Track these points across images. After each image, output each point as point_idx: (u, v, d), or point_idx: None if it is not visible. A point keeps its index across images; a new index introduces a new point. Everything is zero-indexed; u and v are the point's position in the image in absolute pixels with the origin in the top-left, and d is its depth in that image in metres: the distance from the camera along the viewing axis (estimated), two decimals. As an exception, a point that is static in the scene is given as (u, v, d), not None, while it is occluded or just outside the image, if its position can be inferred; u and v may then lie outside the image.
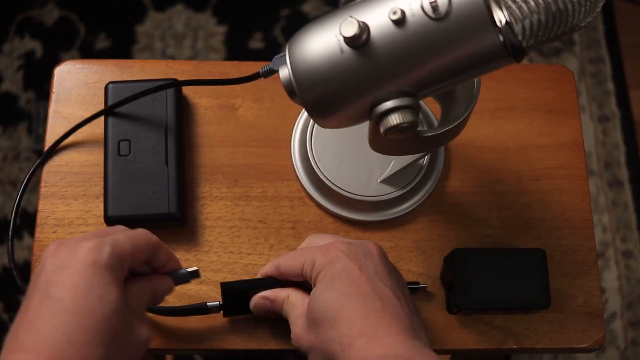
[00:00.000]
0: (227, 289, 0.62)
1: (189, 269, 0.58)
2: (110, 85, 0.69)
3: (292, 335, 0.59)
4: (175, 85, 0.68)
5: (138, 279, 0.55)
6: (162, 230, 0.67)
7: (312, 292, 0.57)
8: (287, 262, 0.60)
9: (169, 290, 0.57)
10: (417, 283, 0.66)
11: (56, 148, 0.70)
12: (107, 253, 0.50)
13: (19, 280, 0.65)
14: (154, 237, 0.55)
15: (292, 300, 0.60)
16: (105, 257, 0.50)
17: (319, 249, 0.58)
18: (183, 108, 0.71)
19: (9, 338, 0.49)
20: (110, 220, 0.66)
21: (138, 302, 0.53)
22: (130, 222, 0.66)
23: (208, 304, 0.63)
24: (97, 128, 0.71)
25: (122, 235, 0.53)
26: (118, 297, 0.50)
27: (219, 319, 0.65)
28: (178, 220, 0.66)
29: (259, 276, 0.63)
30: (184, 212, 0.67)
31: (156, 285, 0.56)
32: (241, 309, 0.63)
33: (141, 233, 0.54)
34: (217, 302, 0.63)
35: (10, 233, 0.67)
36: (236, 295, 0.62)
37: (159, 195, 0.66)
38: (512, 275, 0.63)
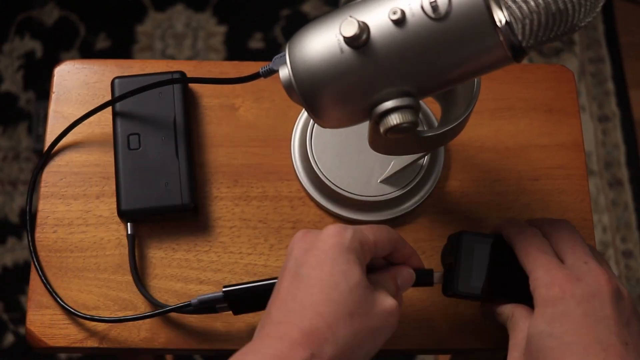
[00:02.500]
0: (230, 294, 0.61)
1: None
2: (116, 80, 0.69)
3: (509, 357, 0.57)
4: (182, 81, 0.68)
5: (379, 271, 0.56)
6: (165, 228, 0.67)
7: (531, 324, 0.55)
8: (521, 245, 0.58)
9: (410, 281, 0.57)
10: (431, 272, 0.60)
11: (59, 145, 0.69)
12: (349, 235, 0.53)
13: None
14: (395, 232, 0.56)
15: (515, 321, 0.57)
16: (349, 239, 0.53)
17: (545, 269, 0.55)
18: (192, 104, 0.72)
19: (263, 317, 0.53)
20: (123, 215, 0.66)
21: (389, 283, 0.56)
22: (144, 215, 0.66)
23: (217, 306, 0.61)
24: (97, 128, 0.71)
25: (364, 226, 0.55)
26: (360, 274, 0.52)
27: (219, 319, 0.65)
28: (191, 211, 0.66)
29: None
30: (197, 203, 0.67)
31: (396, 274, 0.57)
32: (250, 307, 0.62)
33: (382, 227, 0.56)
34: (226, 304, 0.62)
35: (28, 230, 0.67)
36: (242, 296, 0.61)
37: (171, 187, 0.66)
38: (515, 266, 0.60)
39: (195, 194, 0.67)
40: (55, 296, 0.65)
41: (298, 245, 0.54)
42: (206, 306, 0.61)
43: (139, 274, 0.65)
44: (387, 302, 0.53)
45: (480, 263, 0.60)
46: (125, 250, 0.66)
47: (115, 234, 0.67)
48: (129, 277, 0.66)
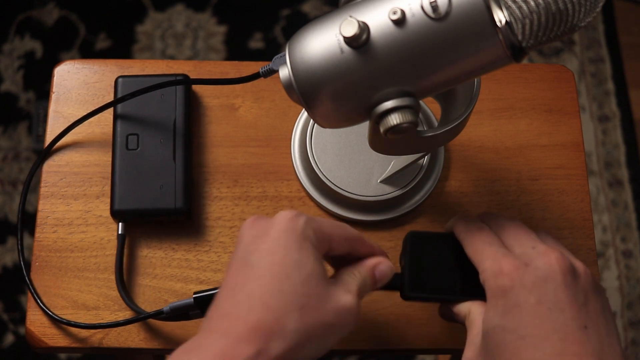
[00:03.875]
0: (201, 300, 0.60)
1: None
2: (120, 80, 0.69)
3: (463, 357, 0.55)
4: (182, 82, 0.68)
5: (354, 262, 0.54)
6: (166, 228, 0.68)
7: (484, 318, 0.53)
8: (468, 241, 0.56)
9: (389, 273, 0.55)
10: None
11: (59, 145, 0.70)
12: (303, 222, 0.50)
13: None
14: (355, 232, 0.54)
15: (472, 319, 0.55)
16: (302, 225, 0.50)
17: (492, 259, 0.53)
18: (192, 104, 0.71)
19: (210, 308, 0.49)
20: (116, 214, 0.66)
21: (351, 279, 0.52)
22: (136, 216, 0.66)
23: (190, 312, 0.61)
24: (97, 128, 0.71)
25: (320, 218, 0.53)
26: (314, 263, 0.49)
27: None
28: (184, 216, 0.66)
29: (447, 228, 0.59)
30: (190, 208, 0.67)
31: (375, 265, 0.54)
32: None
33: (341, 224, 0.54)
34: (199, 310, 0.61)
35: (19, 227, 0.67)
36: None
37: (165, 190, 0.66)
38: (467, 263, 0.57)
39: (190, 199, 0.67)
40: (33, 292, 0.65)
41: (248, 231, 0.51)
42: (179, 313, 0.61)
43: (123, 275, 0.65)
44: (344, 298, 0.50)
45: (429, 263, 0.58)
46: (125, 250, 0.66)
47: (115, 234, 0.67)
48: (128, 277, 0.66)
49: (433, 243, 0.59)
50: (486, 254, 0.54)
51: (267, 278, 0.48)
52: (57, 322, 0.64)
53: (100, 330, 0.64)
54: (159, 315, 0.62)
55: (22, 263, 0.66)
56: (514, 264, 0.52)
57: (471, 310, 0.56)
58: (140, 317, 0.63)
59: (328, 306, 0.49)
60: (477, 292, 0.56)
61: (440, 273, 0.58)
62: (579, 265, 0.53)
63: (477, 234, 0.56)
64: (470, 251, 0.56)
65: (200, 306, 0.60)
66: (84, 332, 0.64)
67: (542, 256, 0.52)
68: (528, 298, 0.51)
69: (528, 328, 0.50)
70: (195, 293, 0.60)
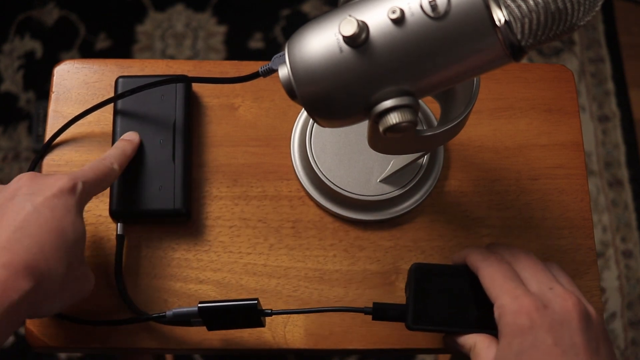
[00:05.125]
0: (205, 310, 0.60)
1: None
2: (120, 79, 0.69)
3: None
4: (182, 80, 0.68)
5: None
6: (165, 227, 0.68)
7: (497, 356, 0.53)
8: (486, 272, 0.56)
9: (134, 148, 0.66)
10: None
11: (59, 144, 0.69)
12: (80, 190, 0.57)
13: None
14: (110, 166, 0.61)
15: (478, 352, 0.56)
16: (79, 192, 0.57)
17: (511, 296, 0.53)
18: (193, 105, 0.71)
19: None
20: (114, 214, 0.66)
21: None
22: (135, 216, 0.66)
23: (192, 319, 0.61)
24: (96, 128, 0.71)
25: (90, 172, 0.59)
26: (84, 229, 0.56)
27: (218, 318, 0.65)
28: (183, 217, 0.66)
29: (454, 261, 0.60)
30: (189, 209, 0.67)
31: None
32: (224, 325, 0.61)
33: (103, 165, 0.61)
34: (201, 319, 0.61)
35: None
36: (216, 314, 0.60)
37: (164, 190, 0.66)
38: (473, 295, 0.59)
39: (189, 200, 0.67)
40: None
41: (28, 183, 0.56)
42: (181, 319, 0.61)
43: (122, 276, 0.65)
44: (90, 273, 0.59)
45: (434, 295, 0.59)
46: (124, 250, 0.66)
47: (115, 233, 0.67)
48: (128, 277, 0.66)
49: (438, 275, 0.60)
50: (505, 289, 0.54)
51: (45, 228, 0.53)
52: (69, 320, 0.64)
53: (100, 329, 0.64)
54: (161, 318, 0.62)
55: None
56: (535, 305, 0.53)
57: (477, 344, 0.56)
58: (141, 319, 0.63)
59: (82, 270, 0.58)
60: (482, 324, 0.57)
61: (444, 305, 0.59)
62: (592, 310, 0.54)
63: (497, 267, 0.56)
64: (488, 283, 0.56)
65: (203, 316, 0.60)
66: (84, 332, 0.64)
67: (561, 299, 0.53)
68: (546, 339, 0.51)
69: None
70: (200, 302, 0.60)
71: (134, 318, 0.63)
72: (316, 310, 0.62)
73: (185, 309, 0.61)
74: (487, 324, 0.56)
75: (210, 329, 0.61)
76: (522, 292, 0.54)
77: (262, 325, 0.61)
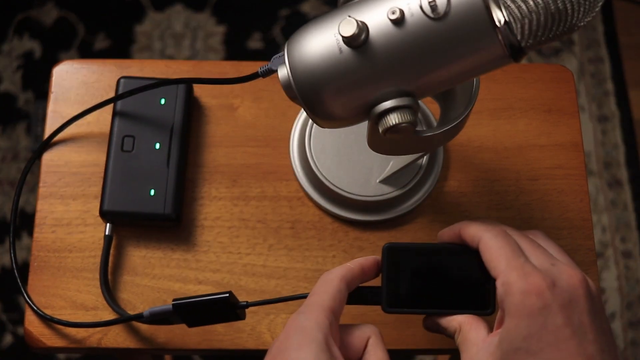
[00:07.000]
0: (179, 307, 0.59)
1: None
2: (122, 80, 0.69)
3: None
4: (184, 81, 0.67)
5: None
6: (160, 231, 0.67)
7: (503, 338, 0.50)
8: (491, 243, 0.52)
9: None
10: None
11: (57, 145, 0.69)
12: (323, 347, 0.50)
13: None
14: (341, 285, 0.54)
15: (465, 335, 0.53)
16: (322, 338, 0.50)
17: (520, 274, 0.50)
18: (193, 110, 0.71)
19: None
20: (104, 215, 0.66)
21: None
22: (125, 218, 0.66)
23: (171, 318, 0.61)
24: (95, 128, 0.71)
25: (322, 316, 0.51)
26: None
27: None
28: (173, 222, 0.66)
29: (439, 239, 0.58)
30: (180, 215, 0.67)
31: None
32: (202, 321, 0.60)
33: (332, 289, 0.53)
34: (178, 316, 0.60)
35: (11, 234, 0.67)
36: (191, 309, 0.60)
37: (156, 195, 0.66)
38: (450, 274, 0.56)
39: (179, 206, 0.66)
40: (24, 294, 0.65)
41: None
42: (159, 318, 0.61)
43: (107, 275, 0.65)
44: None
45: (410, 275, 0.56)
46: (124, 250, 0.66)
47: (104, 234, 0.67)
48: (127, 277, 0.66)
49: (413, 254, 0.57)
50: (513, 265, 0.51)
51: None
52: (49, 321, 0.64)
53: (98, 330, 0.64)
54: (138, 318, 0.62)
55: (14, 265, 0.66)
56: (546, 283, 0.50)
57: (462, 326, 0.54)
58: (119, 320, 0.63)
59: None
60: (463, 305, 0.55)
61: (421, 286, 0.56)
62: (592, 284, 0.52)
63: (503, 239, 0.53)
64: (493, 255, 0.52)
65: (178, 312, 0.60)
66: (82, 333, 0.64)
67: (566, 276, 0.50)
68: (555, 320, 0.49)
69: (554, 352, 0.48)
70: (174, 300, 0.60)
71: (112, 320, 0.63)
72: (290, 298, 0.59)
73: (160, 307, 0.60)
74: (469, 304, 0.54)
75: (190, 325, 0.61)
76: (531, 270, 0.50)
77: (241, 318, 0.60)
